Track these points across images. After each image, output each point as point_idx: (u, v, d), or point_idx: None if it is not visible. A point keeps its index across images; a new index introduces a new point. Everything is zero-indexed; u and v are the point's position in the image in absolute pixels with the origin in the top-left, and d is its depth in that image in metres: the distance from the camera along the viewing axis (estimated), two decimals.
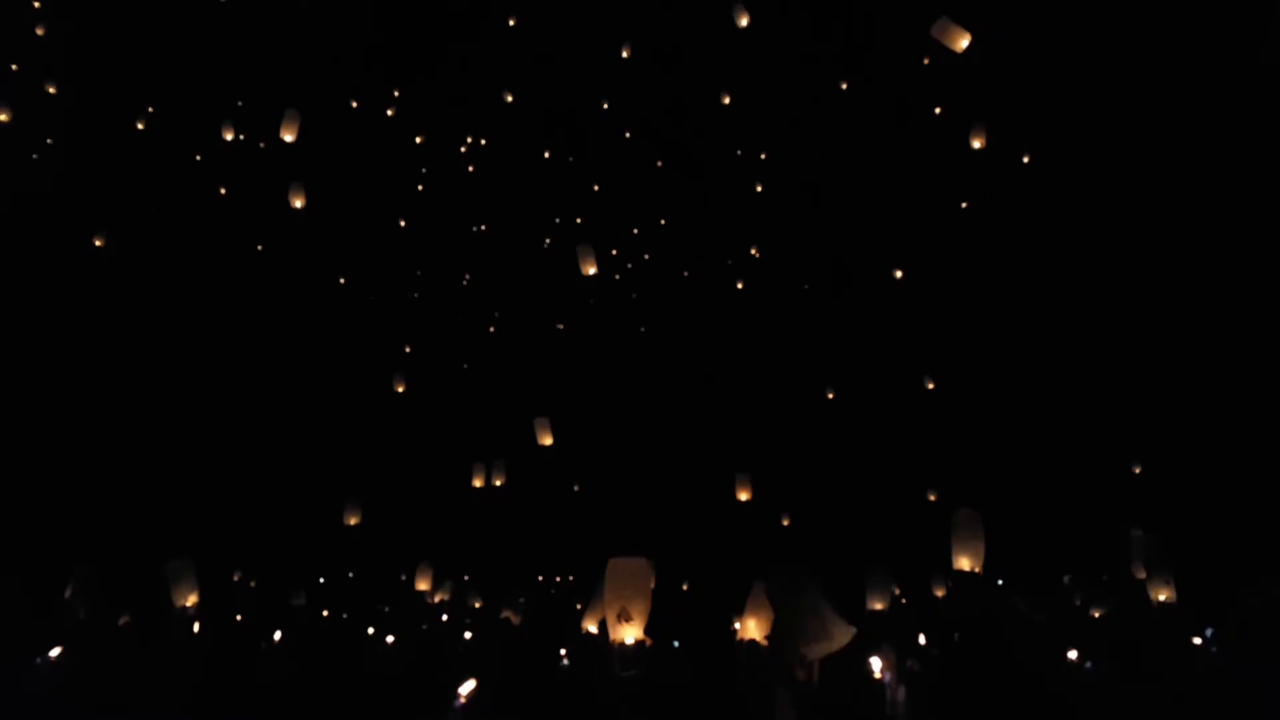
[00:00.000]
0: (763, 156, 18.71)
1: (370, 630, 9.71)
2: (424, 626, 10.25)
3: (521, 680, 6.70)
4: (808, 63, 17.76)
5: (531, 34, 16.81)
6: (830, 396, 17.00)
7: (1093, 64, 15.35)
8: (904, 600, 10.56)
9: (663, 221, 20.66)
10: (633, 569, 5.79)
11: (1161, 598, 8.68)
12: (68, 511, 13.63)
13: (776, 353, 19.41)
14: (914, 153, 17.51)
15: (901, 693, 5.28)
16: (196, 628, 7.98)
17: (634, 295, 21.00)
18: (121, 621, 8.31)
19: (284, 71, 15.92)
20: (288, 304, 17.77)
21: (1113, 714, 5.55)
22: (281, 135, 11.23)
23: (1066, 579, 11.67)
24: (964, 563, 7.10)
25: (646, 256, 20.93)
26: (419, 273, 20.70)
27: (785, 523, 15.90)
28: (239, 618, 9.98)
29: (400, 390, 15.12)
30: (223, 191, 17.17)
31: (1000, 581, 12.43)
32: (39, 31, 13.98)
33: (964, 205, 17.81)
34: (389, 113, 17.49)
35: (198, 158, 16.94)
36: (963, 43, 9.23)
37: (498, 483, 13.62)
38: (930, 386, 16.51)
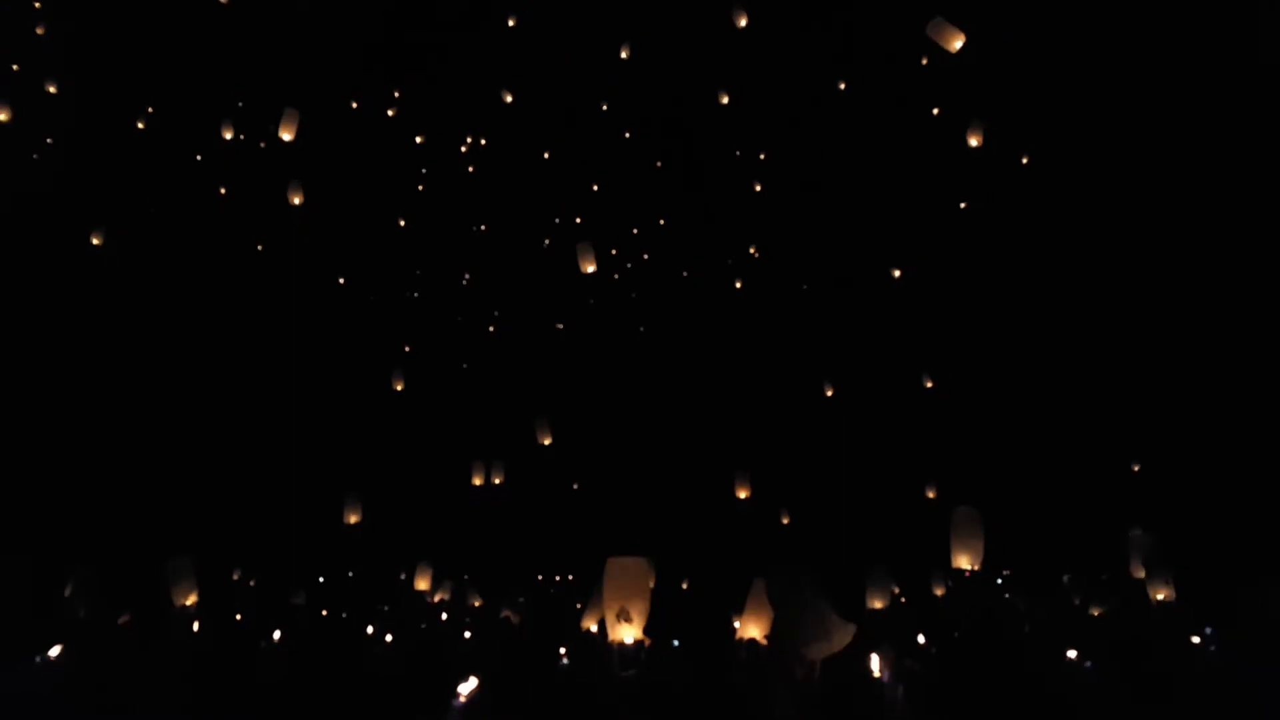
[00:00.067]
0: (762, 156, 18.72)
1: (370, 630, 9.71)
2: (423, 626, 10.26)
3: (521, 680, 6.70)
4: (807, 63, 17.75)
5: (531, 34, 16.81)
6: (829, 394, 17.00)
7: (1092, 64, 15.34)
8: (903, 599, 10.57)
9: (662, 221, 20.66)
10: (632, 568, 5.79)
11: (1161, 597, 8.68)
12: (68, 511, 13.63)
13: (775, 352, 19.42)
14: (913, 153, 17.51)
15: (900, 692, 5.28)
16: (196, 627, 7.98)
17: (633, 295, 21.00)
18: (121, 621, 8.31)
19: (284, 71, 15.92)
20: (288, 304, 17.76)
21: (1112, 714, 5.54)
22: (280, 134, 11.23)
23: (1066, 578, 11.67)
24: (963, 561, 7.11)
25: (646, 256, 20.94)
26: (419, 273, 20.71)
27: (785, 522, 15.91)
28: (238, 617, 9.99)
29: (399, 388, 15.11)
30: (223, 191, 17.17)
31: (1000, 581, 12.45)
32: (39, 31, 13.98)
33: (963, 205, 17.82)
34: (389, 113, 17.49)
35: (198, 158, 16.94)
36: (957, 43, 9.26)
37: (497, 481, 13.63)
38: (929, 385, 16.52)
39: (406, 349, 18.30)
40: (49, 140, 15.30)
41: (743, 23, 12.25)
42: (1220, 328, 14.64)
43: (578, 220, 19.54)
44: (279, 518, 15.69)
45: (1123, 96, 15.37)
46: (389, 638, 8.85)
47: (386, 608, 11.85)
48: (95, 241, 13.76)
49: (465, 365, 20.41)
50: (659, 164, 20.18)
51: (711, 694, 5.94)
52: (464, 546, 14.83)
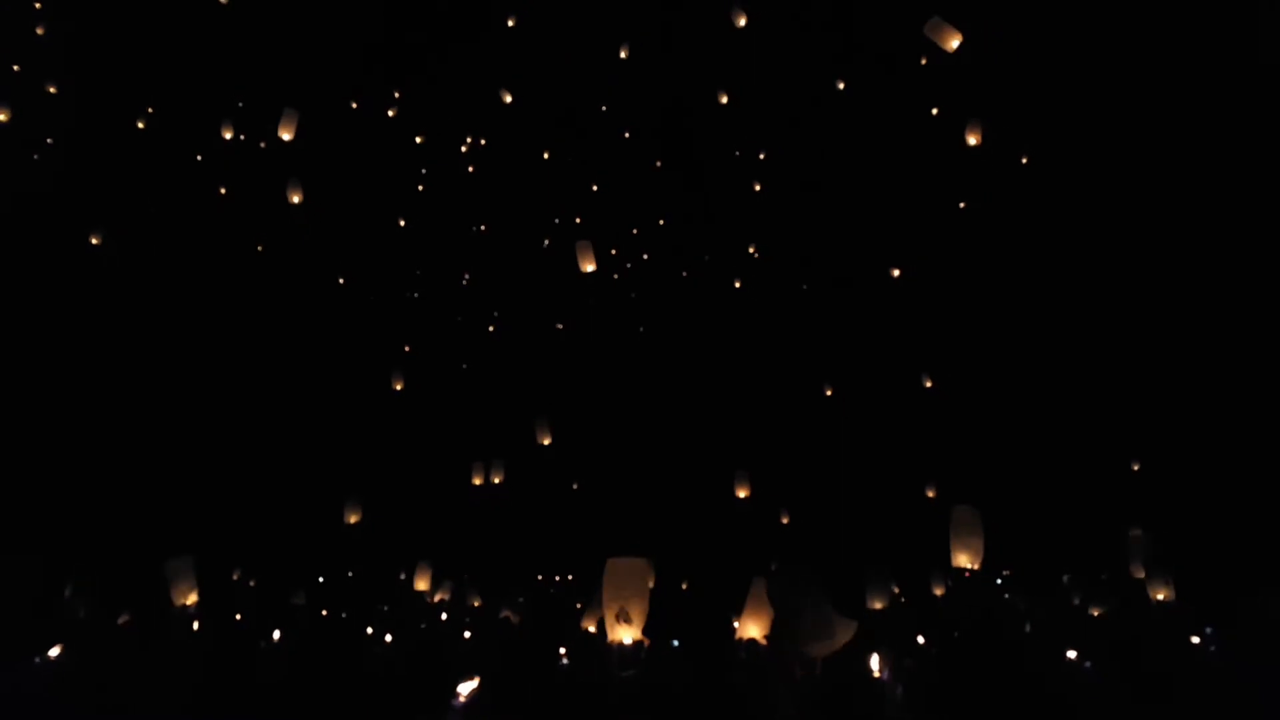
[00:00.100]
0: (761, 156, 18.72)
1: (369, 630, 9.71)
2: (423, 626, 10.26)
3: (521, 680, 6.70)
4: (806, 63, 17.75)
5: (531, 34, 16.81)
6: (829, 393, 17.01)
7: (1091, 64, 15.34)
8: (903, 600, 10.57)
9: (661, 221, 20.66)
10: (631, 569, 5.80)
11: (1160, 597, 8.70)
12: (67, 511, 13.63)
13: (775, 352, 19.42)
14: (912, 153, 17.51)
15: (900, 692, 5.28)
16: (196, 627, 7.98)
17: (633, 295, 21.00)
18: (121, 621, 8.31)
19: (284, 71, 15.92)
20: (288, 304, 17.76)
21: (1112, 714, 5.54)
22: (280, 134, 11.23)
23: (1066, 578, 11.67)
24: (962, 560, 7.11)
25: (645, 256, 20.94)
26: (419, 273, 20.70)
27: (784, 521, 15.91)
28: (238, 617, 9.99)
29: (398, 387, 15.11)
30: (223, 191, 17.17)
31: (1000, 581, 12.46)
32: (39, 31, 13.98)
33: (962, 205, 17.82)
34: (390, 113, 17.49)
35: (198, 158, 16.94)
36: (954, 42, 9.28)
37: (496, 480, 13.63)
38: (928, 385, 16.52)
39: (406, 349, 18.30)
40: (49, 140, 15.30)
41: (742, 22, 12.25)
42: (1220, 327, 14.64)
43: (578, 220, 19.54)
44: (279, 518, 15.69)
45: (1122, 96, 15.37)
46: (389, 638, 8.85)
47: (386, 608, 11.84)
48: (94, 241, 13.76)
49: (465, 365, 20.40)
50: (659, 164, 20.19)
51: (711, 694, 5.94)
52: (464, 546, 14.83)
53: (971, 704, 5.49)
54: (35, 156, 15.01)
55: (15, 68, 14.03)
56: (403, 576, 13.04)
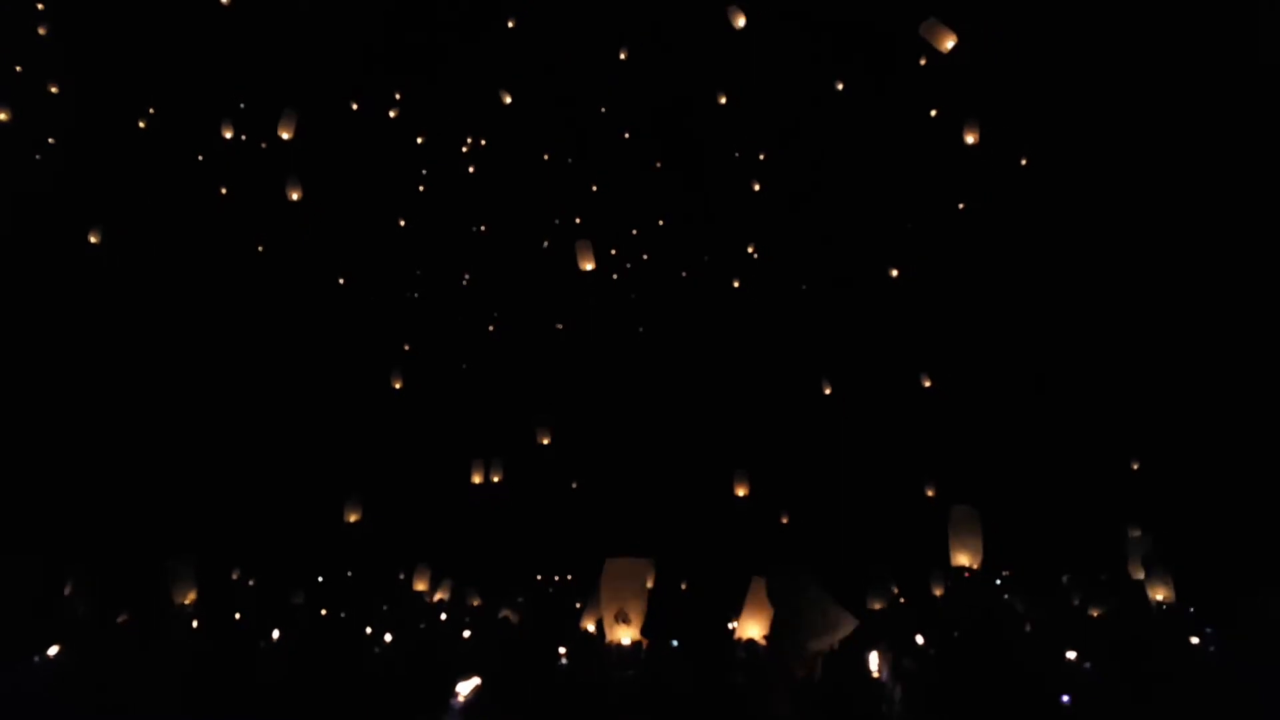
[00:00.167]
0: (761, 157, 18.72)
1: (369, 629, 9.71)
2: (422, 626, 10.26)
3: (521, 680, 6.69)
4: (805, 63, 17.75)
5: (531, 35, 16.82)
6: (827, 392, 17.01)
7: (1089, 63, 15.34)
8: (903, 600, 10.57)
9: (660, 222, 20.66)
10: (630, 569, 5.80)
11: (1160, 597, 8.70)
12: (67, 510, 13.63)
13: (774, 351, 19.42)
14: (911, 153, 17.51)
15: (899, 692, 5.28)
16: (195, 626, 7.99)
17: (632, 295, 21.01)
18: (120, 619, 8.31)
19: (284, 72, 15.92)
20: (288, 304, 17.76)
21: (1112, 714, 5.54)
22: (279, 133, 11.23)
23: (1065, 578, 11.67)
24: (962, 560, 7.12)
25: (645, 256, 20.94)
26: (419, 273, 20.70)
27: (784, 521, 15.91)
28: (237, 616, 9.99)
29: (398, 386, 15.10)
30: (223, 191, 17.17)
31: (999, 581, 12.46)
32: (41, 31, 13.99)
33: (960, 206, 17.82)
34: (390, 114, 17.49)
35: (199, 158, 16.94)
36: (949, 43, 9.30)
37: (496, 479, 13.63)
38: (927, 385, 16.53)
39: (406, 349, 18.29)
40: (50, 140, 15.31)
41: (741, 23, 12.24)
42: (1220, 327, 14.64)
43: (577, 220, 19.54)
44: (279, 518, 15.69)
45: (1121, 96, 15.37)
46: (389, 638, 8.85)
47: (386, 607, 11.85)
48: (93, 240, 13.76)
49: (465, 365, 20.40)
50: (659, 164, 20.19)
51: (711, 694, 5.94)
52: (463, 547, 14.83)
53: (971, 704, 5.48)
54: (37, 157, 15.02)
55: (18, 68, 14.03)
56: (402, 576, 13.04)
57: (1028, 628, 8.00)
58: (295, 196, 12.60)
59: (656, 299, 20.90)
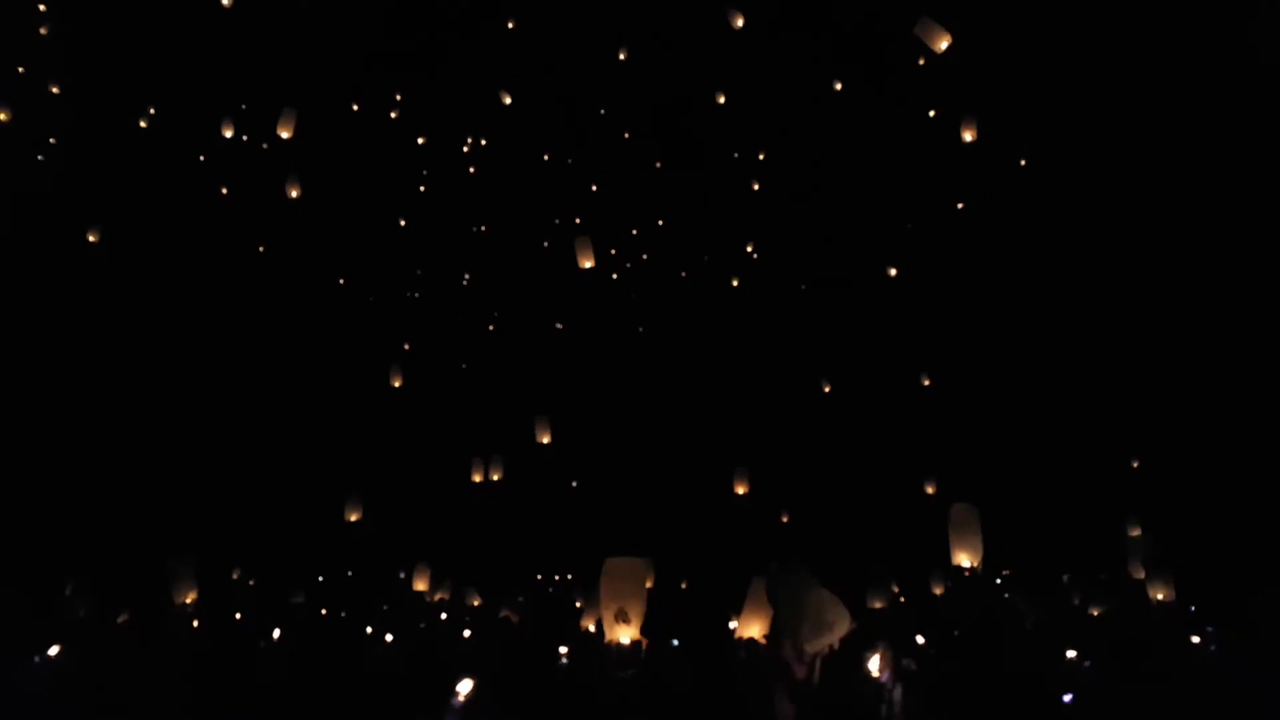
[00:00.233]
0: (760, 157, 18.72)
1: (369, 629, 9.71)
2: (422, 626, 10.26)
3: (521, 679, 6.70)
4: (805, 63, 17.75)
5: (530, 35, 16.82)
6: (826, 390, 17.02)
7: (1088, 63, 15.34)
8: (903, 599, 10.57)
9: (660, 222, 20.67)
10: (629, 569, 5.79)
11: (1160, 597, 8.70)
12: (68, 510, 13.63)
13: (773, 351, 19.43)
14: (910, 153, 17.51)
15: (898, 692, 5.28)
16: (195, 626, 7.99)
17: (632, 295, 21.01)
18: (120, 620, 8.32)
19: (285, 72, 15.92)
20: (288, 304, 17.76)
21: (1112, 714, 5.54)
22: (279, 132, 11.23)
23: (1065, 578, 11.68)
24: (962, 559, 7.11)
25: (645, 256, 20.95)
26: (419, 273, 20.71)
27: (784, 520, 15.92)
28: (238, 616, 9.99)
29: (397, 385, 15.09)
30: (224, 192, 17.17)
31: (999, 580, 12.46)
32: (42, 32, 13.99)
33: (960, 205, 17.82)
34: (391, 114, 17.50)
35: (200, 158, 16.94)
36: (943, 43, 9.31)
37: (495, 477, 13.63)
38: (926, 384, 16.52)
39: (406, 348, 18.30)
40: (51, 140, 15.31)
41: (740, 23, 12.24)
42: (1220, 327, 14.63)
43: (577, 220, 19.54)
44: (279, 518, 15.69)
45: (1120, 96, 15.37)
46: (389, 638, 8.85)
47: (386, 607, 11.85)
48: (91, 239, 13.77)
49: (465, 365, 20.41)
50: (659, 164, 20.19)
51: (711, 694, 5.94)
52: (464, 546, 14.83)
53: (971, 704, 5.48)
54: (40, 157, 15.02)
55: (20, 69, 14.03)
56: (402, 576, 13.04)
57: (1028, 627, 8.00)
58: (294, 195, 12.59)
59: (656, 299, 20.90)
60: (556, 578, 16.29)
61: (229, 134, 13.88)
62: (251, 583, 13.30)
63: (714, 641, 7.27)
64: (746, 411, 18.96)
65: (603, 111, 18.70)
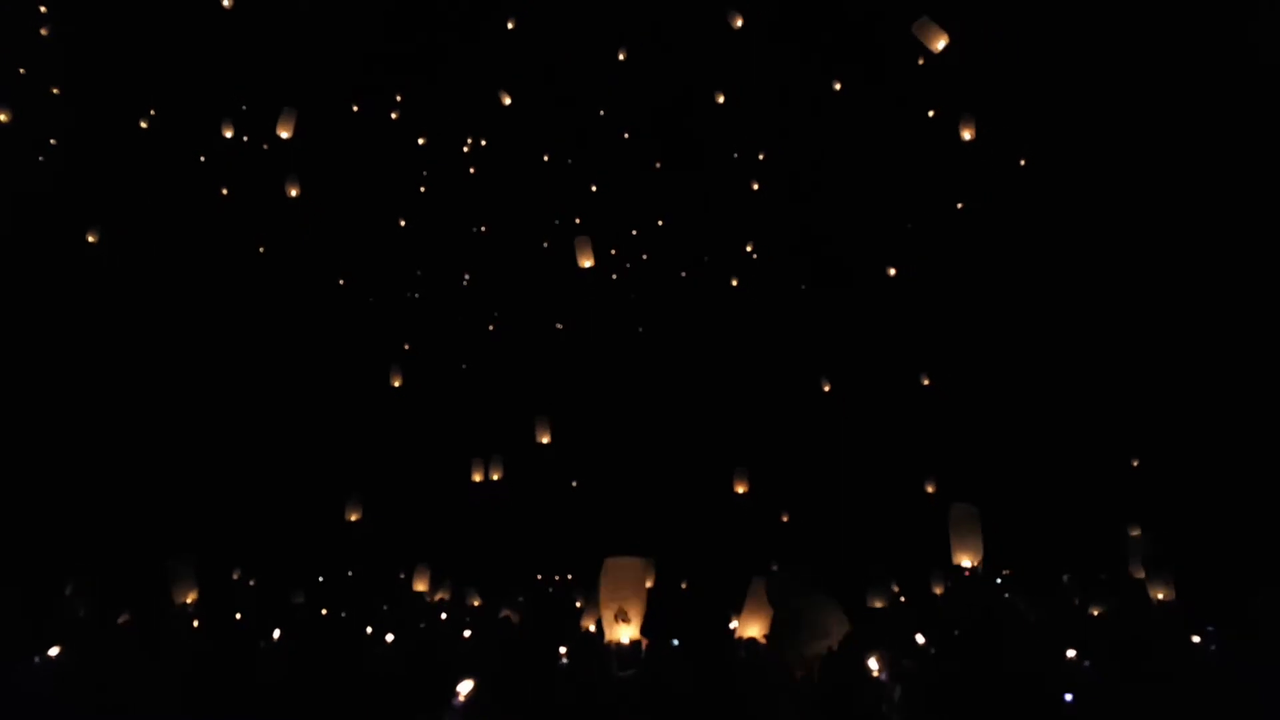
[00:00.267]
0: (760, 156, 18.73)
1: (369, 629, 9.71)
2: (422, 626, 10.26)
3: (521, 679, 6.69)
4: (804, 63, 17.76)
5: (530, 35, 16.82)
6: (826, 390, 17.02)
7: (1088, 63, 15.34)
8: (903, 599, 10.57)
9: (660, 222, 20.68)
10: (629, 568, 5.80)
11: (1160, 597, 8.70)
12: (68, 510, 13.64)
13: (773, 351, 19.43)
14: (909, 153, 17.52)
15: (898, 692, 5.28)
16: (195, 626, 7.98)
17: (632, 295, 21.02)
18: (121, 620, 8.32)
19: (285, 73, 15.93)
20: (288, 304, 17.77)
21: (1112, 714, 5.54)
22: (279, 133, 11.24)
23: (1065, 578, 11.67)
24: (963, 558, 7.12)
25: (645, 256, 20.96)
26: (419, 273, 20.72)
27: (784, 520, 15.92)
28: (238, 616, 9.99)
29: (397, 384, 15.10)
30: (224, 192, 17.18)
31: (999, 580, 12.46)
32: (43, 33, 14.00)
33: (959, 205, 17.82)
34: (391, 115, 17.50)
35: (201, 159, 16.95)
36: (940, 43, 9.32)
37: (495, 476, 13.64)
38: (926, 384, 16.52)
39: (406, 348, 18.31)
40: (52, 141, 15.32)
41: (739, 24, 12.25)
42: (1219, 327, 14.63)
43: (577, 220, 19.56)
44: (279, 517, 15.69)
45: (1120, 96, 15.37)
46: (389, 638, 8.85)
47: (386, 607, 11.85)
48: (90, 239, 13.77)
49: (465, 365, 20.42)
50: (658, 164, 20.20)
51: (711, 694, 5.93)
52: (463, 546, 14.83)
53: (971, 704, 5.48)
54: (40, 158, 15.02)
55: (21, 70, 14.04)
56: (402, 576, 13.04)
57: (1028, 627, 7.99)
58: (294, 194, 12.60)
59: (656, 299, 20.91)
60: (556, 578, 16.29)
61: (229, 134, 13.89)
62: (251, 583, 13.30)
63: (714, 641, 7.26)
64: (746, 411, 18.96)
65: (602, 112, 18.71)
